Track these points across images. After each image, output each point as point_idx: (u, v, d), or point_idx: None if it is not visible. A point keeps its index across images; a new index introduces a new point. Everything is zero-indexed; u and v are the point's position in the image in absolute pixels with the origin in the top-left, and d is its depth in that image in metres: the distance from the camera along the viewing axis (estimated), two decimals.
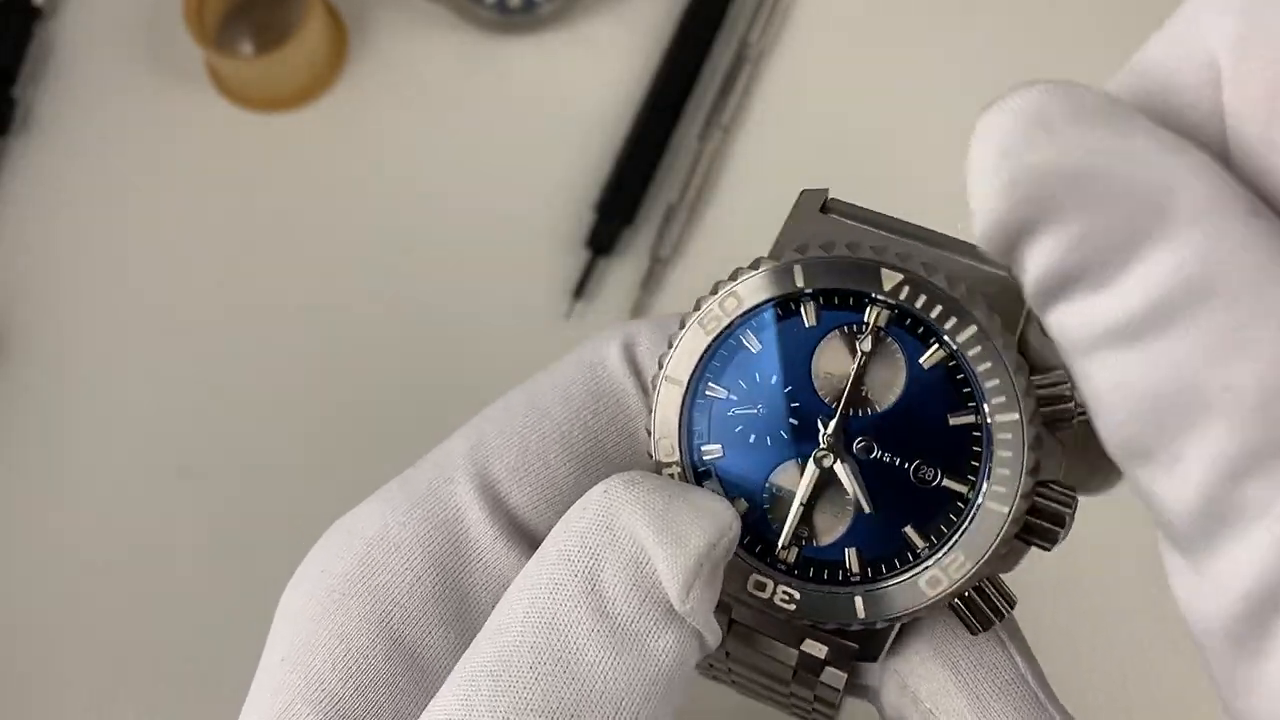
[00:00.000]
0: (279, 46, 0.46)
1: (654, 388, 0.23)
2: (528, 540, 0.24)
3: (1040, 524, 0.21)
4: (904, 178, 0.45)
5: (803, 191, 0.24)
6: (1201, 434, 0.17)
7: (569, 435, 0.24)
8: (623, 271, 0.45)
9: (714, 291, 0.23)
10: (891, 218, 0.24)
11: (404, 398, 0.43)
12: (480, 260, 0.45)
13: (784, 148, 0.46)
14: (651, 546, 0.21)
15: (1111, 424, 0.18)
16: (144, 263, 0.46)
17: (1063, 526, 0.21)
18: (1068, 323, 0.18)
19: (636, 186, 0.46)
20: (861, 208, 0.24)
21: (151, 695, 0.41)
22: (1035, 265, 0.18)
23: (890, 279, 0.22)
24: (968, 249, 0.23)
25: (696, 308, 0.23)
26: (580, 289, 0.44)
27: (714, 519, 0.21)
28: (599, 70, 0.48)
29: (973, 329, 0.21)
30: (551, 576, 0.21)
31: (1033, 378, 0.21)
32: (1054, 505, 0.21)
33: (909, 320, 0.22)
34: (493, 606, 0.23)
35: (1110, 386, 0.18)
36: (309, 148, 0.47)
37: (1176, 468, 0.17)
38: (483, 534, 0.24)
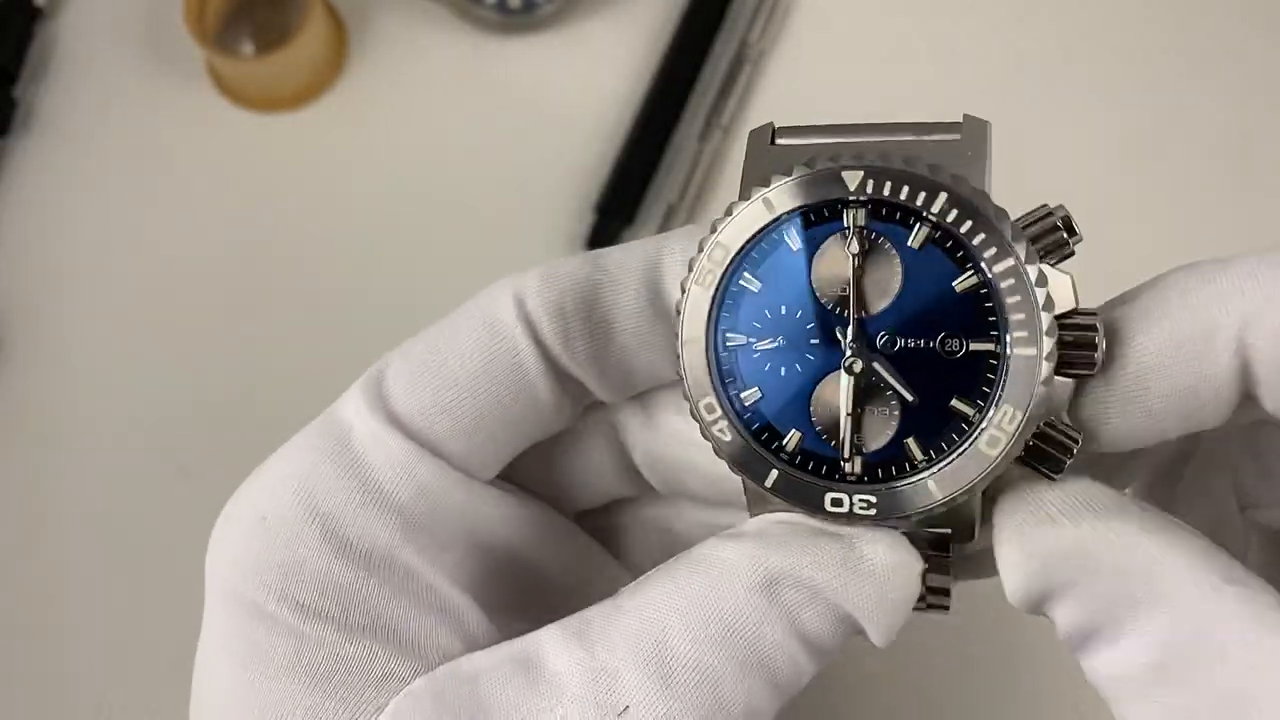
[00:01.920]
0: (279, 46, 0.46)
1: (678, 352, 0.24)
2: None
3: (1073, 353, 0.22)
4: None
5: (750, 132, 0.25)
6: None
7: (466, 382, 0.26)
8: None
9: (700, 249, 0.24)
10: (835, 125, 0.24)
11: None
12: (480, 260, 0.45)
13: None
14: (855, 614, 0.23)
15: None
16: (144, 262, 0.46)
17: (1095, 349, 0.22)
18: (1097, 671, 0.22)
19: (636, 186, 0.46)
20: (805, 126, 0.25)
21: (151, 694, 0.41)
22: (1061, 622, 0.22)
23: (853, 179, 0.23)
24: (913, 128, 0.24)
25: (690, 268, 0.24)
26: None
27: (905, 574, 0.24)
28: (599, 70, 0.48)
29: (943, 196, 0.22)
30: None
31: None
32: (1080, 331, 0.22)
33: (885, 210, 0.23)
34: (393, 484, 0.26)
35: None
36: (309, 148, 0.47)
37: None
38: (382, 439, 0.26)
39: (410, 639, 0.25)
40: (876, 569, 0.23)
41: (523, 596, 0.29)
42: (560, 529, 0.29)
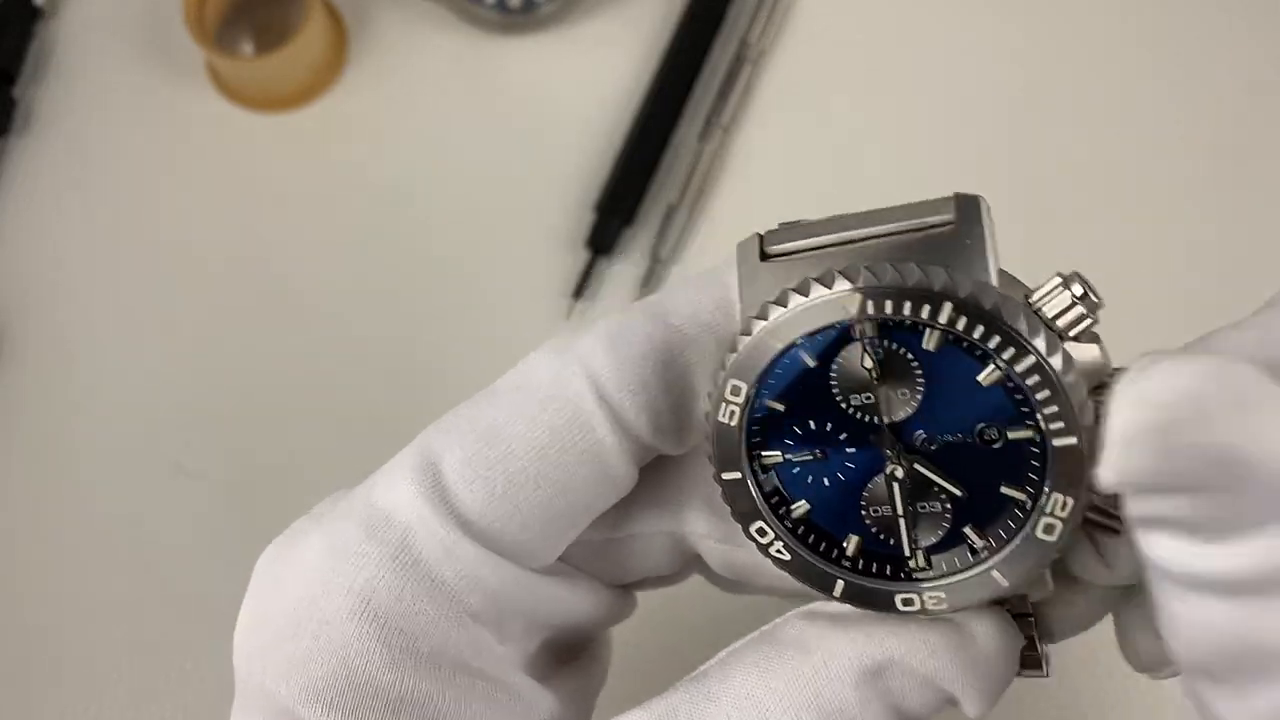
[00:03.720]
0: (279, 46, 0.46)
1: (717, 483, 0.24)
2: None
3: None
4: (905, 177, 0.45)
5: (738, 246, 0.24)
6: (1275, 686, 0.19)
7: (538, 475, 0.24)
8: (623, 271, 0.45)
9: (714, 385, 0.23)
10: (822, 221, 0.24)
11: (403, 397, 0.43)
12: (480, 260, 0.45)
13: (784, 148, 0.46)
14: (960, 696, 0.23)
15: (1186, 647, 0.19)
16: (144, 262, 0.46)
17: None
18: (1166, 553, 0.19)
19: (636, 186, 0.46)
20: (790, 228, 0.24)
21: (151, 694, 0.41)
22: (1154, 508, 0.19)
23: (852, 302, 0.22)
24: (903, 213, 0.23)
25: (707, 418, 0.23)
26: (580, 289, 0.44)
27: (1010, 652, 0.23)
28: (599, 70, 0.48)
29: (947, 306, 0.21)
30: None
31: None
32: None
33: (892, 324, 0.22)
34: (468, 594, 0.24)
35: (1194, 622, 0.19)
36: (309, 147, 0.47)
37: (1242, 700, 0.19)
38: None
39: None
40: (985, 650, 0.23)
41: (565, 650, 0.28)
42: (608, 597, 0.28)
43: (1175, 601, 0.19)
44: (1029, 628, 0.24)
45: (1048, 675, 0.25)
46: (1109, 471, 0.19)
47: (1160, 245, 0.43)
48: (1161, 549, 0.19)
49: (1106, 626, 0.26)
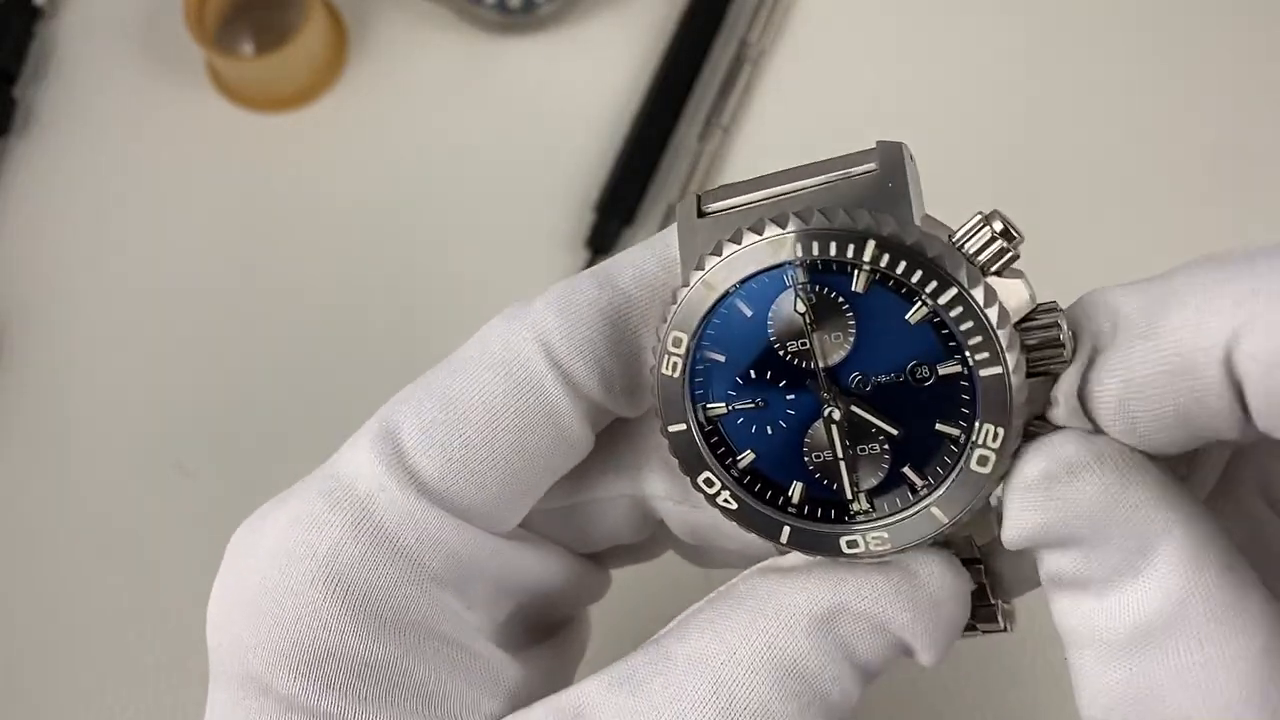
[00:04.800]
0: (279, 46, 0.46)
1: (663, 436, 0.24)
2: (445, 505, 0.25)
3: (1042, 355, 0.22)
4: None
5: (676, 206, 0.25)
6: None
7: (494, 439, 0.25)
8: None
9: (657, 338, 0.24)
10: (755, 179, 0.24)
11: None
12: (480, 260, 0.45)
13: (784, 148, 0.46)
14: (912, 641, 0.24)
15: (1086, 709, 0.22)
16: (144, 262, 0.46)
17: (1061, 346, 0.22)
18: (1071, 618, 0.22)
19: (636, 186, 0.46)
20: (728, 186, 0.25)
21: (151, 694, 0.41)
22: (1052, 565, 0.22)
23: (781, 245, 0.23)
24: (829, 165, 0.24)
25: (651, 372, 0.24)
26: None
27: (959, 594, 0.24)
28: (599, 70, 0.48)
29: (870, 244, 0.22)
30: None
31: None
32: (1043, 332, 0.22)
33: (822, 264, 0.23)
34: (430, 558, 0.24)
35: (1091, 682, 0.22)
36: (309, 148, 0.47)
37: None
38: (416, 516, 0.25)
39: (455, 709, 0.24)
40: (933, 591, 0.23)
41: (539, 625, 0.28)
42: (576, 565, 0.29)
43: (1079, 668, 0.22)
44: (979, 574, 0.25)
45: (1007, 630, 0.25)
46: (1008, 532, 0.22)
47: (1160, 245, 0.43)
48: (1062, 609, 0.22)
49: None
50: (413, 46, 0.48)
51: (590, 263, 0.45)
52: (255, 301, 0.45)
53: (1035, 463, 0.22)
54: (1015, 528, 0.22)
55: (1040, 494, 0.22)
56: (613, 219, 0.45)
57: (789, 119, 0.47)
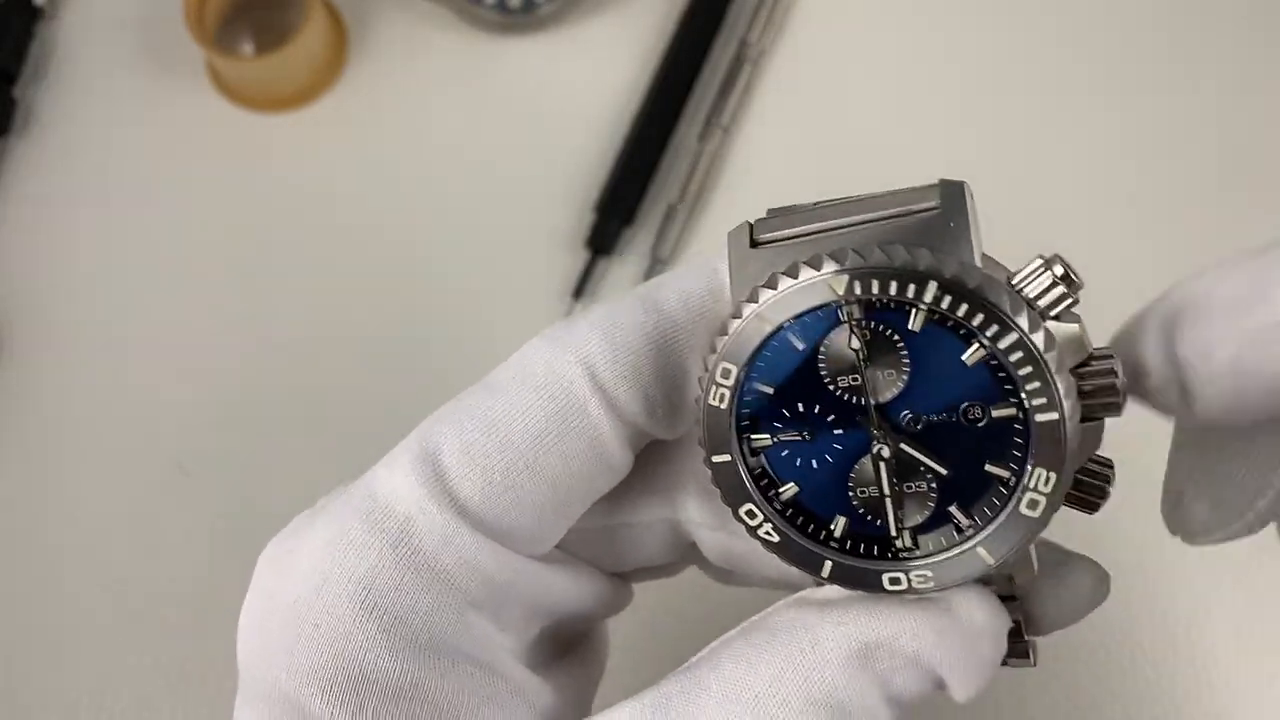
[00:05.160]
0: (279, 46, 0.46)
1: (706, 466, 0.24)
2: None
3: (1096, 402, 0.22)
4: (905, 177, 0.45)
5: (729, 234, 0.24)
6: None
7: (535, 462, 0.25)
8: (623, 271, 0.45)
9: (705, 369, 0.24)
10: (809, 208, 0.24)
11: (403, 397, 0.43)
12: (480, 260, 0.45)
13: (784, 148, 0.46)
14: (948, 677, 0.23)
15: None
16: (144, 262, 0.46)
17: (1116, 393, 0.22)
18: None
19: (636, 186, 0.46)
20: (781, 213, 0.24)
21: (151, 694, 0.41)
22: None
23: (839, 283, 0.22)
24: (889, 200, 0.23)
25: (697, 402, 0.24)
26: (580, 289, 0.44)
27: (997, 632, 0.23)
28: (599, 70, 0.48)
29: (932, 285, 0.22)
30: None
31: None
32: (1097, 379, 0.22)
33: (878, 302, 0.22)
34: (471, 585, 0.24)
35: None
36: (309, 148, 0.47)
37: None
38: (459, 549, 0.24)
39: None
40: (972, 630, 0.23)
41: (561, 640, 0.28)
42: (606, 585, 0.28)
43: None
44: (1015, 611, 0.25)
45: (1034, 664, 0.25)
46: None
47: (1160, 244, 0.43)
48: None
49: (1090, 623, 0.26)
50: (413, 46, 0.48)
51: (590, 263, 0.45)
52: (255, 301, 0.45)
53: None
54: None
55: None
56: (613, 219, 0.45)
57: (789, 119, 0.47)
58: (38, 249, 0.47)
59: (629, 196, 0.45)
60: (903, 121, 0.46)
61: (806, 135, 0.46)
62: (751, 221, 0.24)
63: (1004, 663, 0.25)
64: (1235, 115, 0.45)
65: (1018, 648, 0.25)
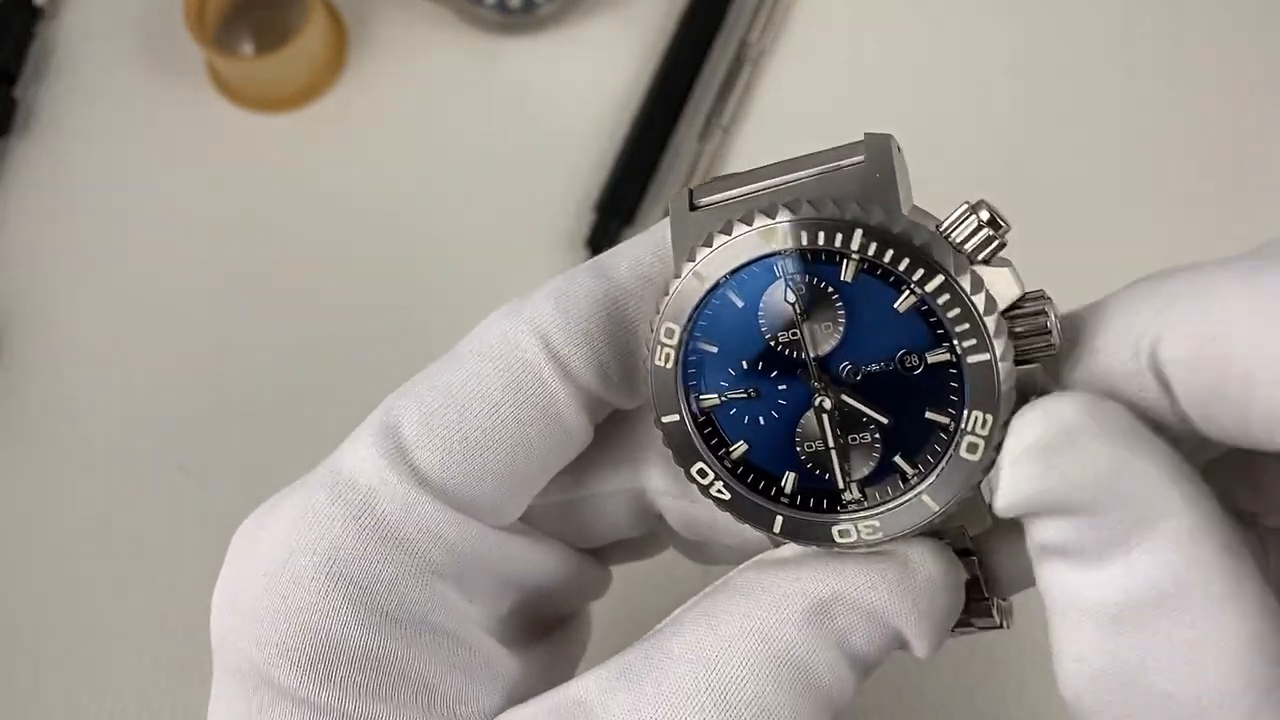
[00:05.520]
0: (279, 47, 0.46)
1: (657, 427, 0.24)
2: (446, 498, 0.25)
3: (1030, 342, 0.22)
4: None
5: (669, 201, 0.25)
6: None
7: (493, 430, 0.25)
8: None
9: (650, 329, 0.24)
10: (744, 173, 0.25)
11: None
12: (480, 260, 0.45)
13: (784, 147, 0.46)
14: (905, 630, 0.24)
15: (1065, 679, 0.22)
16: (144, 262, 0.46)
17: (1049, 332, 0.22)
18: (1057, 587, 0.22)
19: (636, 186, 0.46)
20: (720, 179, 0.25)
21: (151, 694, 0.41)
22: (1043, 534, 0.21)
23: (770, 236, 0.23)
24: (818, 158, 0.24)
25: (646, 348, 0.24)
26: None
27: (952, 583, 0.24)
28: (599, 70, 0.48)
29: (858, 233, 0.22)
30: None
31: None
32: (1029, 319, 0.22)
33: (811, 254, 0.23)
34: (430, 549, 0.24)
35: (1073, 656, 0.21)
36: (309, 148, 0.47)
37: None
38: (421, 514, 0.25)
39: (453, 702, 0.25)
40: (926, 581, 0.23)
41: (540, 622, 0.29)
42: (576, 560, 0.29)
43: (1061, 637, 0.21)
44: (972, 566, 0.25)
45: (1003, 627, 0.25)
46: (1001, 498, 0.21)
47: (1154, 242, 0.43)
48: (1049, 578, 0.22)
49: None
50: (413, 46, 0.48)
51: None
52: (255, 301, 0.45)
53: (1034, 427, 0.21)
54: (1009, 495, 0.21)
55: (1038, 462, 0.21)
56: (613, 219, 0.45)
57: (789, 119, 0.47)
58: (38, 249, 0.47)
59: (629, 196, 0.45)
60: (902, 121, 0.46)
61: (807, 135, 0.46)
62: (691, 187, 0.25)
63: (970, 624, 0.25)
64: (1235, 111, 0.45)
65: (980, 606, 0.25)
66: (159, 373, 0.45)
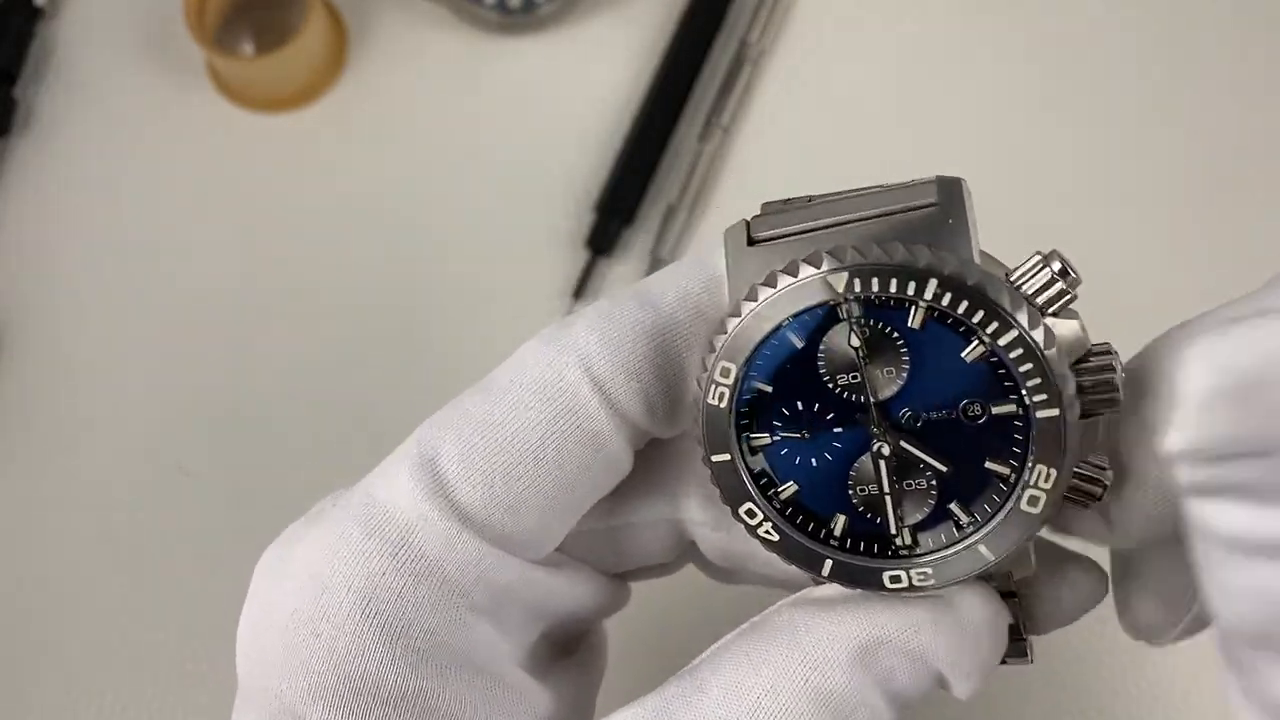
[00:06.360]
0: (279, 47, 0.46)
1: (706, 464, 0.24)
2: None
3: (1095, 397, 0.22)
4: (905, 177, 0.45)
5: (726, 232, 0.24)
6: None
7: (537, 465, 0.24)
8: (623, 271, 0.45)
9: (704, 368, 0.23)
10: (804, 204, 0.24)
11: (403, 397, 0.43)
12: (480, 260, 0.45)
13: (784, 148, 0.46)
14: (949, 674, 0.23)
15: (1241, 615, 0.19)
16: (144, 262, 0.46)
17: (1115, 389, 0.22)
18: (1228, 519, 0.19)
19: (636, 186, 0.46)
20: (778, 208, 0.24)
21: (151, 694, 0.41)
22: (1223, 477, 0.19)
23: (838, 281, 0.22)
24: (887, 196, 0.23)
25: (696, 401, 0.24)
26: (580, 289, 0.44)
27: (997, 628, 0.23)
28: (599, 70, 0.48)
29: (931, 283, 0.22)
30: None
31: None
32: (1096, 375, 0.22)
33: (878, 300, 0.22)
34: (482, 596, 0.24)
35: (1252, 589, 0.19)
36: (309, 148, 0.47)
37: None
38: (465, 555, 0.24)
39: None
40: (972, 626, 0.23)
41: (561, 642, 0.28)
42: (600, 585, 0.28)
43: (1231, 570, 0.19)
44: (1014, 608, 0.25)
45: (1032, 662, 0.25)
46: (1180, 437, 0.19)
47: (1162, 245, 0.43)
48: (1223, 516, 0.19)
49: (1091, 621, 0.26)
50: (413, 46, 0.48)
51: (590, 263, 0.45)
52: (256, 301, 0.45)
53: (1237, 355, 0.19)
54: (1196, 439, 0.19)
55: (1236, 401, 0.19)
56: (613, 219, 0.45)
57: (789, 119, 0.47)
58: (38, 249, 0.47)
59: (629, 196, 0.45)
60: (903, 121, 0.46)
61: (806, 135, 0.46)
62: (748, 219, 0.24)
63: (1002, 661, 0.25)
64: (1236, 116, 0.45)
65: (1016, 646, 0.25)
66: (159, 372, 0.45)
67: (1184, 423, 0.19)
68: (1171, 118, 0.45)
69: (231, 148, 0.48)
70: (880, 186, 0.24)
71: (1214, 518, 0.20)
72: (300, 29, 0.46)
